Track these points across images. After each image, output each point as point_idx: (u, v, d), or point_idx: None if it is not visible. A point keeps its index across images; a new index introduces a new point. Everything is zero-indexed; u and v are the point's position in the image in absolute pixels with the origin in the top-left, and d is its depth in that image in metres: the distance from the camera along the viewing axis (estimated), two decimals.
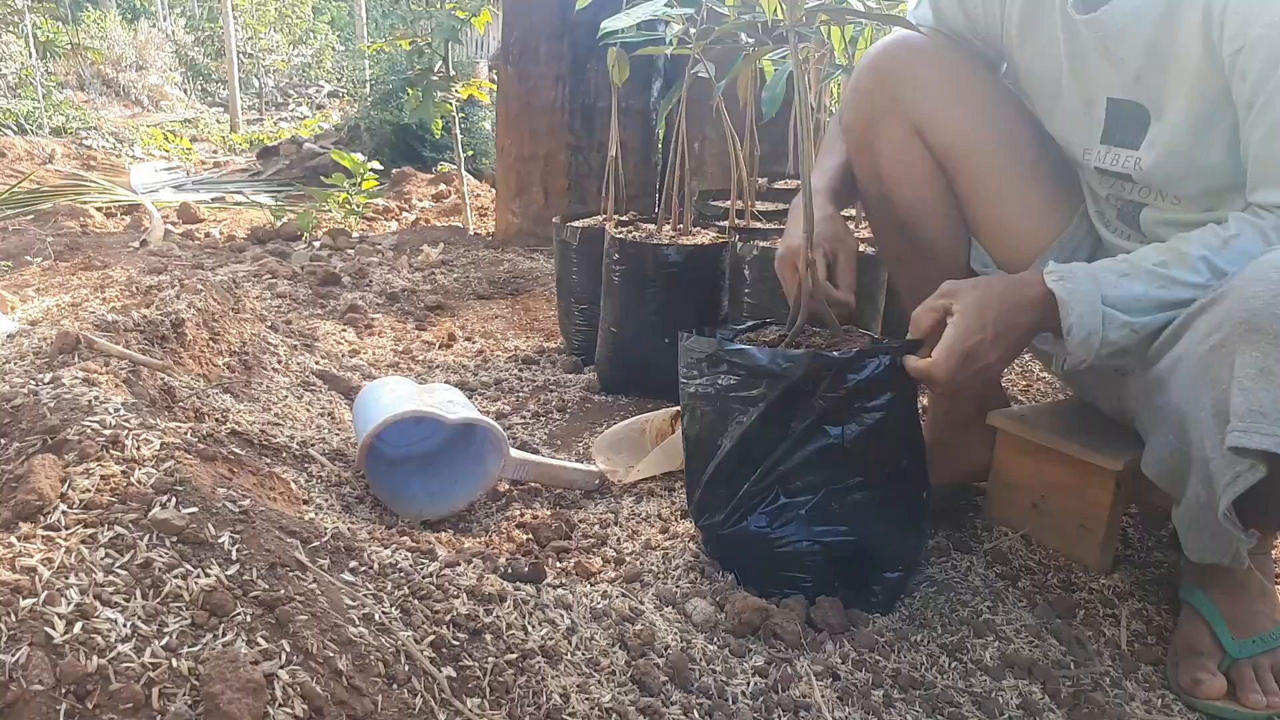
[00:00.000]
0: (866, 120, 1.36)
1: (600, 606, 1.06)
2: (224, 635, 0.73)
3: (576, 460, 1.70)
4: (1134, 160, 1.19)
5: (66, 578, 0.73)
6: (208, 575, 0.78)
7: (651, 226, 2.25)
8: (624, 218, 2.38)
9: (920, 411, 1.72)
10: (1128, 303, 1.07)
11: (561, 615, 0.99)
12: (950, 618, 1.20)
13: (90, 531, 0.79)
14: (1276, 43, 0.98)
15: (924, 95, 1.32)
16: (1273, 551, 1.26)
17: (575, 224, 2.37)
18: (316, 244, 3.77)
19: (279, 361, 1.91)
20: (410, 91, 4.21)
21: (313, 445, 1.52)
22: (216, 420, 1.40)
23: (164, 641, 0.71)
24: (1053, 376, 2.00)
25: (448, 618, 0.89)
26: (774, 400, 1.14)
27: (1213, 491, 1.00)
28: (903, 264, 1.49)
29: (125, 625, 0.71)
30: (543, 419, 1.96)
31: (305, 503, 1.26)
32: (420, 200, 5.20)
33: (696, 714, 0.94)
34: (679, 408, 1.70)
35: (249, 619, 0.76)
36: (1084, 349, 1.08)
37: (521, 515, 1.47)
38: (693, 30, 1.95)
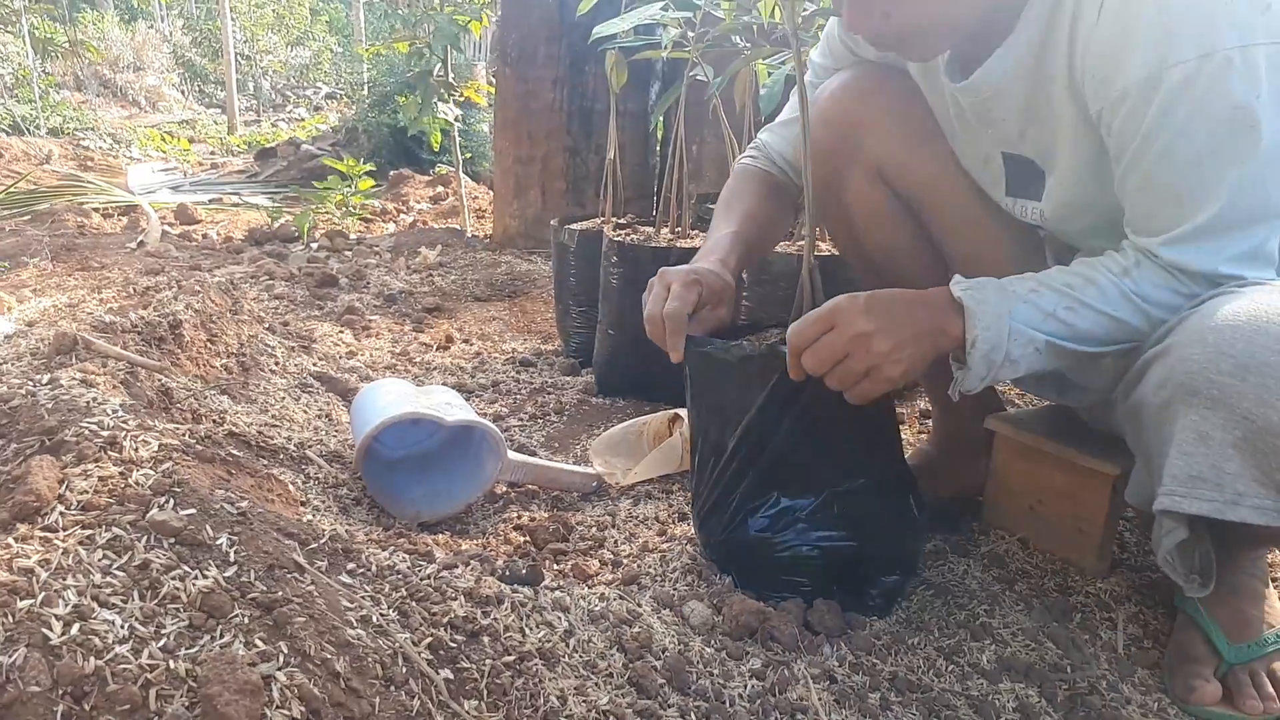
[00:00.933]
0: (828, 173, 1.32)
1: (598, 609, 1.06)
2: (222, 637, 0.73)
3: (574, 462, 1.71)
4: (1039, 212, 1.20)
5: (64, 579, 0.73)
6: (205, 577, 0.78)
7: (649, 229, 2.25)
8: (622, 220, 2.38)
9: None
10: (1036, 320, 1.04)
11: (559, 618, 0.99)
12: (947, 621, 1.20)
13: (88, 533, 0.79)
14: (1133, 104, 0.97)
15: (885, 141, 1.28)
16: (1267, 556, 1.27)
17: (573, 226, 2.37)
18: (314, 245, 3.77)
19: (276, 363, 1.91)
20: (402, 100, 4.21)
21: (310, 447, 1.52)
22: (214, 422, 1.40)
23: (161, 643, 0.71)
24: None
25: (445, 620, 0.89)
26: (770, 396, 1.14)
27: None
28: None
29: (123, 627, 0.71)
30: (540, 421, 1.96)
31: (303, 504, 1.26)
32: (418, 202, 5.21)
33: (694, 716, 0.94)
34: (676, 410, 1.70)
35: (247, 621, 0.76)
36: (984, 364, 1.03)
37: (519, 517, 1.47)
38: (690, 34, 1.96)
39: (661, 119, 3.48)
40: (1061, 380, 1.25)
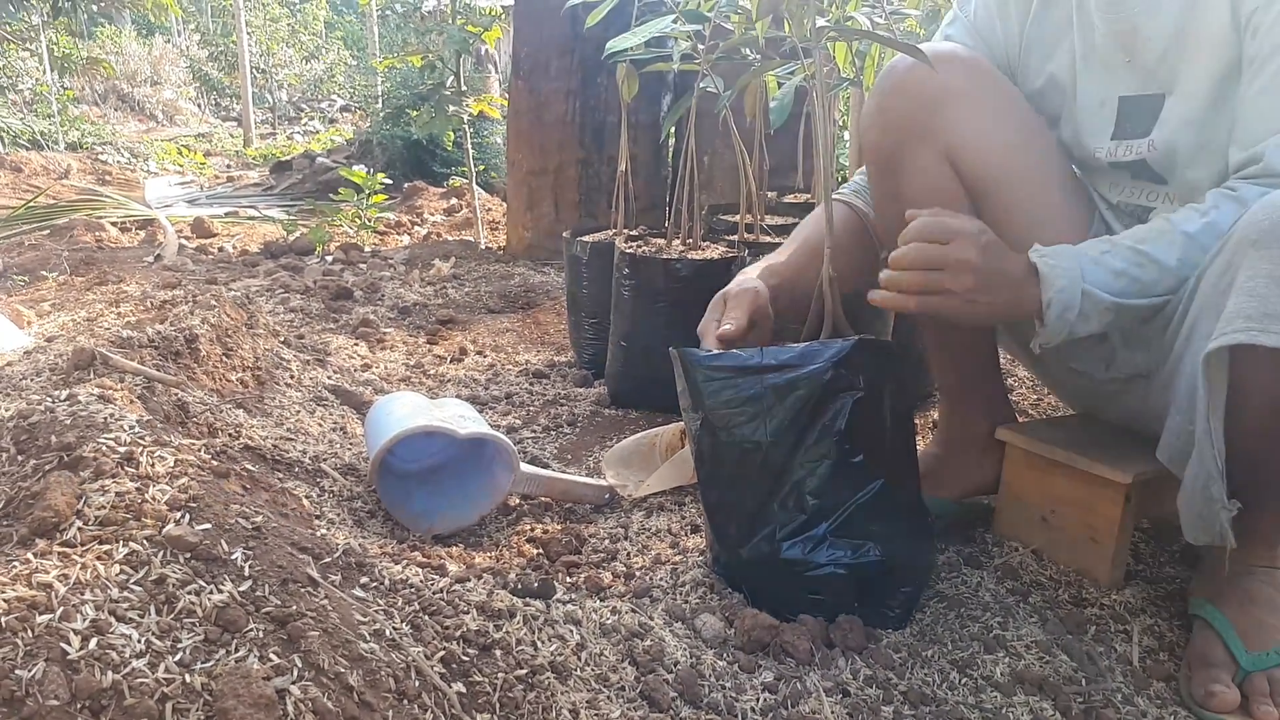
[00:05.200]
0: (895, 143, 1.31)
1: (609, 622, 1.06)
2: (236, 651, 0.74)
3: (587, 474, 1.71)
4: (1147, 144, 1.23)
5: (82, 594, 0.74)
6: (221, 591, 0.79)
7: (661, 241, 2.26)
8: (634, 232, 2.39)
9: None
10: (1106, 279, 1.11)
11: (571, 631, 1.00)
12: (961, 634, 1.20)
13: (105, 548, 0.80)
14: None
15: (960, 122, 1.27)
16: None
17: (585, 238, 2.38)
18: (329, 258, 3.80)
19: (291, 376, 1.93)
20: (414, 113, 4.24)
21: (325, 460, 1.53)
22: (230, 436, 1.41)
23: (177, 657, 0.72)
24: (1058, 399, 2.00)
25: (458, 634, 0.90)
26: (805, 401, 1.13)
27: (1208, 451, 1.02)
28: None
29: (139, 641, 0.72)
30: (553, 433, 1.97)
31: (317, 518, 1.27)
32: (432, 214, 5.23)
33: None
34: None
35: (261, 635, 0.76)
36: (1060, 323, 1.11)
37: (532, 530, 1.48)
38: (700, 46, 1.96)
39: (673, 130, 3.50)
40: (1112, 350, 1.30)
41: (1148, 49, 1.19)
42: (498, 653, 0.90)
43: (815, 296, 1.27)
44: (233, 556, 0.83)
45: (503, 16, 4.33)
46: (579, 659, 0.96)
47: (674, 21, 1.91)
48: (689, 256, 2.08)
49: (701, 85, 2.03)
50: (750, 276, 1.33)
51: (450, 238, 4.55)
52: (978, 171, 1.29)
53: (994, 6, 1.38)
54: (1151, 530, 1.52)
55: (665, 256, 2.07)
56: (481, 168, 5.72)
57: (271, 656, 0.75)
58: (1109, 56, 1.25)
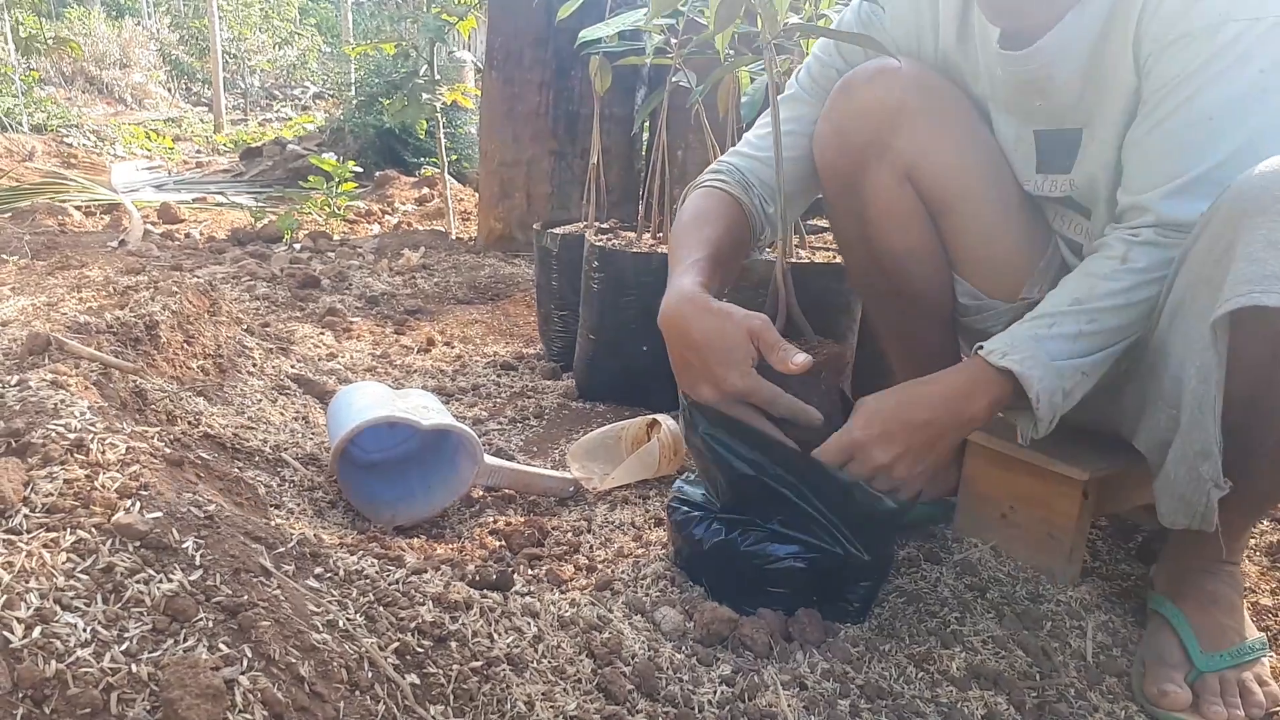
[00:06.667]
0: (853, 163, 1.29)
1: (568, 615, 1.06)
2: (185, 641, 0.73)
3: (552, 467, 1.70)
4: (1068, 182, 1.23)
5: (26, 582, 0.72)
6: (170, 580, 0.77)
7: (632, 234, 2.25)
8: (604, 225, 2.38)
9: None
10: (1068, 347, 1.10)
11: (528, 623, 0.99)
12: (918, 628, 1.20)
13: (52, 536, 0.78)
14: (1184, 47, 1.04)
15: (918, 141, 1.25)
16: (1240, 568, 1.28)
17: (556, 230, 2.37)
18: (297, 246, 3.76)
19: (254, 365, 1.90)
20: (386, 102, 4.21)
21: (286, 449, 1.52)
22: (189, 423, 1.39)
23: (124, 647, 0.71)
24: None
25: (413, 625, 0.89)
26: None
27: (1209, 427, 1.02)
28: (882, 303, 1.47)
29: (85, 630, 0.70)
30: (519, 425, 1.96)
31: (276, 507, 1.25)
32: (403, 204, 5.19)
33: None
34: (654, 416, 1.70)
35: (211, 624, 0.75)
36: (1050, 410, 1.10)
37: (495, 522, 1.47)
38: (673, 40, 1.96)
39: (647, 123, 3.49)
40: None
41: (1064, 92, 1.17)
42: (453, 644, 0.89)
43: (770, 290, 1.27)
44: (184, 545, 0.82)
45: (478, 6, 4.30)
46: (536, 651, 0.96)
47: (647, 14, 1.90)
48: (659, 250, 2.07)
49: (674, 79, 2.02)
50: (737, 306, 1.19)
51: (421, 227, 4.52)
52: (937, 189, 1.29)
53: (907, 12, 1.34)
54: (1108, 527, 1.54)
55: (635, 250, 2.07)
56: (454, 158, 5.69)
57: (221, 646, 0.74)
58: (1020, 101, 1.23)
